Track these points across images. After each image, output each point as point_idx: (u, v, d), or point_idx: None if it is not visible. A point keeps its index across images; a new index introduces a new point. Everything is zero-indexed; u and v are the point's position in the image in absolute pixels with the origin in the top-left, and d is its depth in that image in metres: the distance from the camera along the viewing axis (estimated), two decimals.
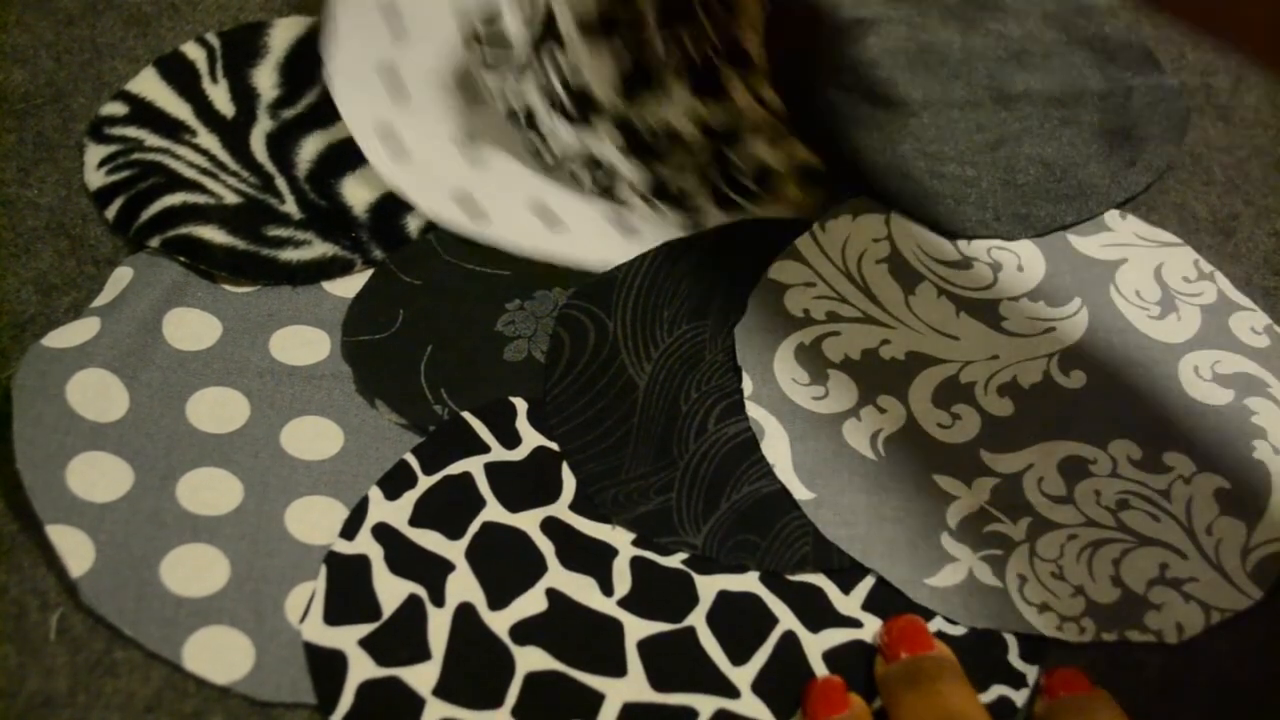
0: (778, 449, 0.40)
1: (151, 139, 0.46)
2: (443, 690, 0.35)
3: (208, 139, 0.47)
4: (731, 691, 0.35)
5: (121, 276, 0.42)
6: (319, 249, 0.44)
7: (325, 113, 0.48)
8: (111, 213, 0.44)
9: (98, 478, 0.37)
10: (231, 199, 0.45)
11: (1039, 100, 0.50)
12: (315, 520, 0.38)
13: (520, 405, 0.41)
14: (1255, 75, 0.55)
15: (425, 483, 0.39)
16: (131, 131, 0.47)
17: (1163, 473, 0.41)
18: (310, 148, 0.47)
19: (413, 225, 0.45)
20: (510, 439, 0.40)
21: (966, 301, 0.45)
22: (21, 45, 0.50)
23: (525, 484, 0.39)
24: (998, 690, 0.36)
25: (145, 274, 0.42)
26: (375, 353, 0.42)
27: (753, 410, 0.41)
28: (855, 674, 0.36)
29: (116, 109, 0.48)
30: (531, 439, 0.40)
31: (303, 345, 0.42)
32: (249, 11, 0.52)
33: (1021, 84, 0.50)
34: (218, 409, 0.40)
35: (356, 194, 0.46)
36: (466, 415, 0.40)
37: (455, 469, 0.39)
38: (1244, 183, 0.51)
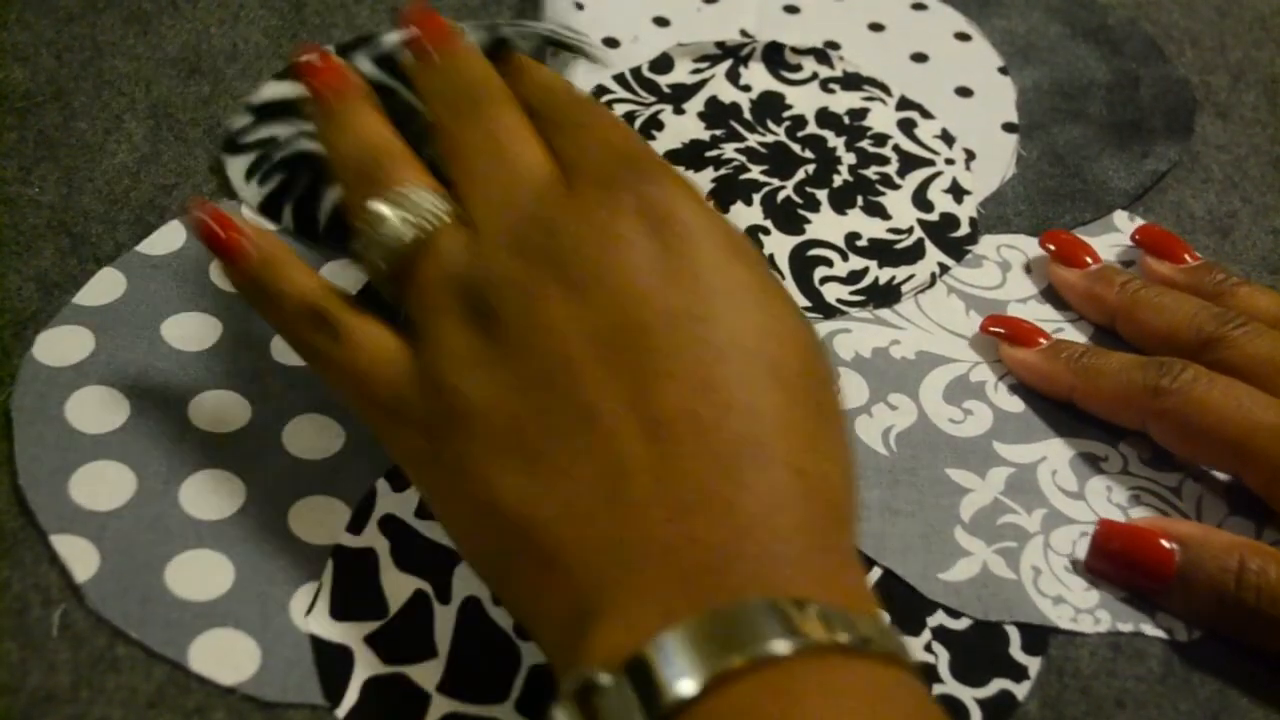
0: None
1: (282, 131, 0.46)
2: (447, 686, 0.34)
3: None
4: None
5: (113, 282, 0.42)
6: None
7: None
8: (286, 220, 0.44)
9: (100, 486, 0.37)
10: None
11: (1046, 94, 0.50)
12: (318, 519, 0.37)
13: None
14: (1254, 73, 0.55)
15: None
16: (262, 133, 0.46)
17: (1173, 470, 0.41)
18: None
19: None
20: None
21: (976, 301, 0.45)
22: (22, 43, 0.49)
23: None
24: (999, 684, 0.35)
25: (139, 282, 0.42)
26: None
27: None
28: None
29: (243, 120, 0.47)
30: None
31: None
32: (249, 9, 0.52)
33: (1029, 78, 0.50)
34: (219, 410, 0.39)
35: None
36: None
37: None
38: (1242, 181, 0.51)
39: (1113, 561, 0.37)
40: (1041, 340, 0.42)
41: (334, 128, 0.38)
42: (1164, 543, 0.36)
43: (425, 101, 0.38)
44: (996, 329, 0.43)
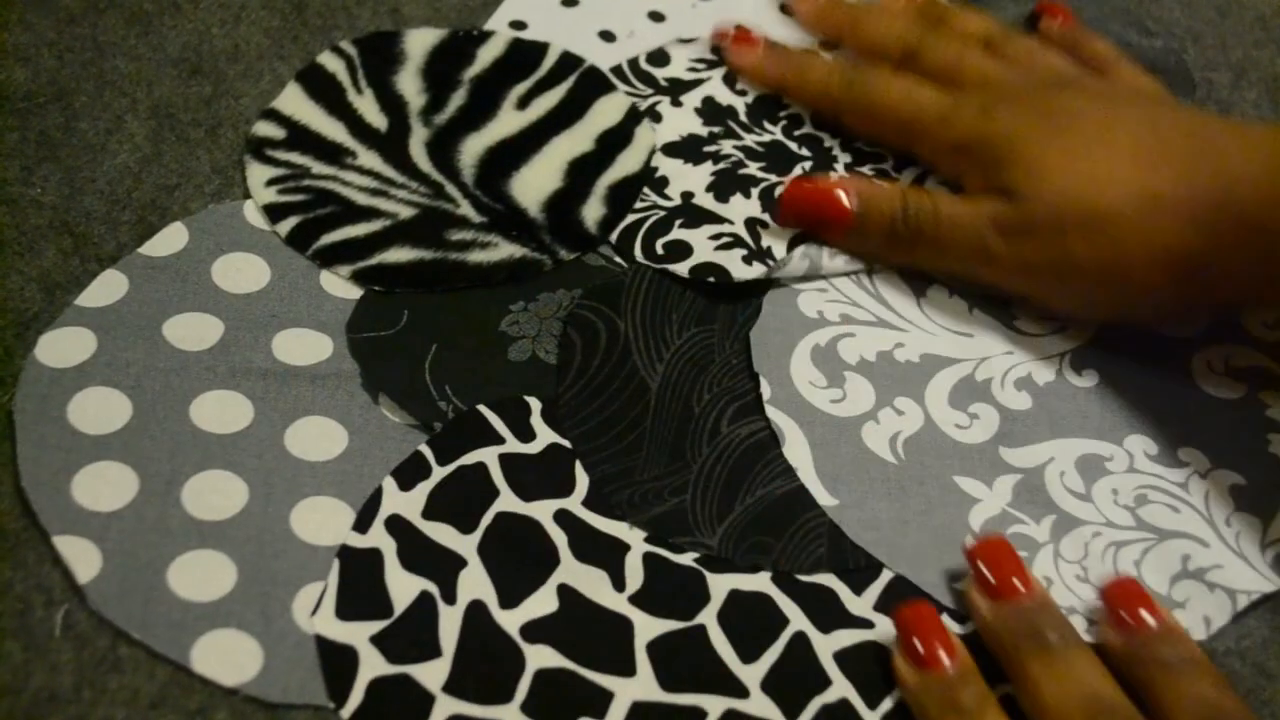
0: (799, 454, 0.40)
1: (317, 166, 0.47)
2: (452, 687, 0.34)
3: (369, 158, 0.47)
4: (740, 691, 0.35)
5: (115, 283, 0.42)
6: (506, 250, 0.44)
7: (474, 115, 0.49)
8: (284, 229, 0.44)
9: (103, 487, 0.37)
10: (407, 212, 0.45)
11: None
12: (321, 521, 0.37)
13: (534, 404, 0.41)
14: (1255, 72, 0.55)
15: (439, 473, 0.38)
16: (295, 158, 0.47)
17: (1179, 467, 0.40)
18: (470, 152, 0.48)
19: (590, 219, 0.46)
20: (525, 433, 0.40)
21: (979, 298, 0.45)
22: (23, 44, 0.49)
23: (539, 476, 0.39)
24: (1005, 689, 0.35)
25: (141, 284, 0.42)
26: (380, 349, 0.41)
27: (773, 414, 0.41)
28: (868, 674, 0.36)
29: (272, 131, 0.48)
30: (546, 435, 0.40)
31: (305, 346, 0.41)
32: (251, 10, 0.52)
33: None
34: (221, 411, 0.39)
35: (526, 194, 0.46)
36: (481, 408, 0.40)
37: (469, 459, 0.39)
38: None
39: (800, 218, 0.45)
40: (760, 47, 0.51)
41: (1054, 676, 0.34)
42: (841, 195, 0.44)
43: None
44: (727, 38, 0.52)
